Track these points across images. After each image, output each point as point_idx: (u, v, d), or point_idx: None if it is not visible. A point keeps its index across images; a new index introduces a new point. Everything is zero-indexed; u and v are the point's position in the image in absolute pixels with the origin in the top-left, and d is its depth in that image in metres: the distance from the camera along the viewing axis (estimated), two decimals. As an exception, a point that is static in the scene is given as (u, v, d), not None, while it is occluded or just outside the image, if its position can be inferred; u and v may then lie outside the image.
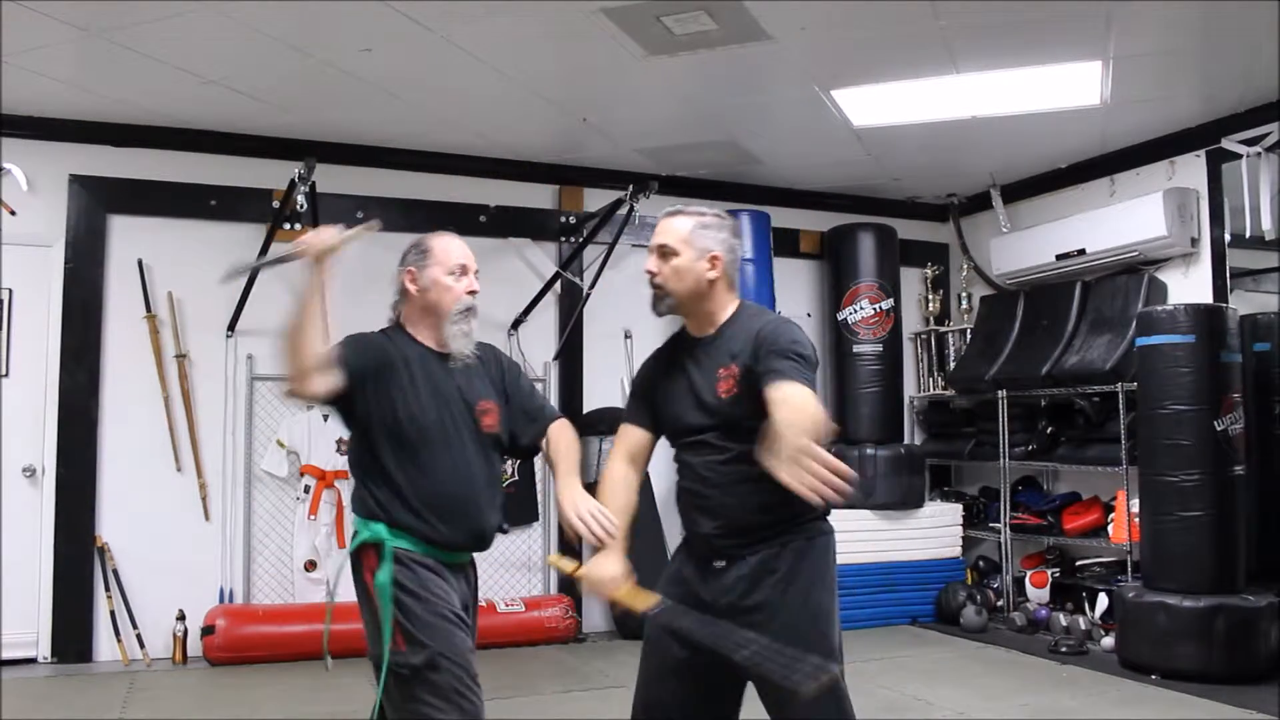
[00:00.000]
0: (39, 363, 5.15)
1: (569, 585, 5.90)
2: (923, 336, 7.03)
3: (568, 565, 2.48)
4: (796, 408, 1.93)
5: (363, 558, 2.28)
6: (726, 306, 2.34)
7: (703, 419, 2.25)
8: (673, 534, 5.83)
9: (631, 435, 2.40)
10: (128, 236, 5.30)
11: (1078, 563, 5.91)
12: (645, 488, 5.83)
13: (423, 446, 2.28)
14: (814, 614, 2.21)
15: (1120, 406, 5.35)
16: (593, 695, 4.55)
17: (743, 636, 2.11)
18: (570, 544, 4.77)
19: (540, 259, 6.08)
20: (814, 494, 1.76)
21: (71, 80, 4.68)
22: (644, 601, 2.21)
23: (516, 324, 5.97)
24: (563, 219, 6.10)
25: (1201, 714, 4.11)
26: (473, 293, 2.40)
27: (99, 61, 4.48)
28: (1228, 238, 5.43)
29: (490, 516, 2.38)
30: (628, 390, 6.16)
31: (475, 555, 2.45)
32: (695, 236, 2.29)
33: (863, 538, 5.89)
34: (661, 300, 2.32)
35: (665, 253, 2.30)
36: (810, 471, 1.77)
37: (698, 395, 2.26)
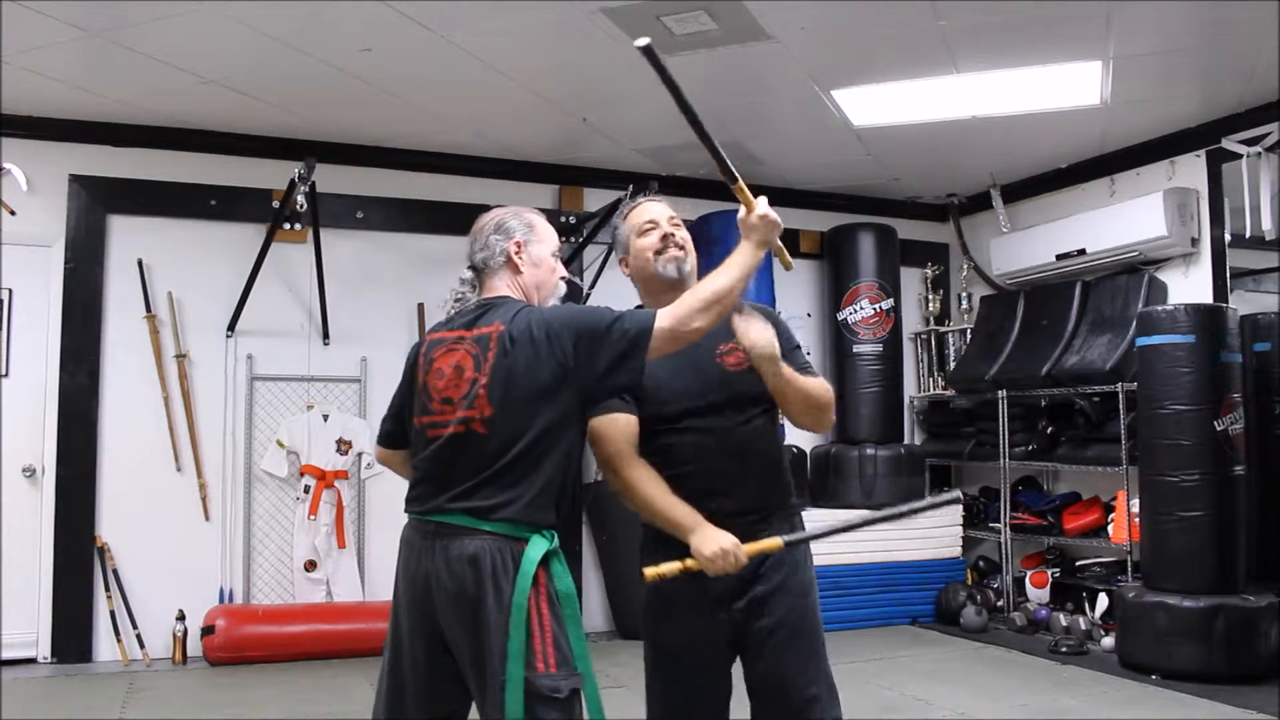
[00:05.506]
0: (39, 363, 5.15)
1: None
2: (923, 336, 7.03)
3: (670, 568, 2.12)
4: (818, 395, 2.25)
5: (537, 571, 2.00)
6: None
7: (712, 393, 2.23)
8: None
9: (630, 423, 2.21)
10: (128, 236, 5.30)
11: (1078, 563, 5.91)
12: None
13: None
14: (815, 609, 2.27)
15: (1120, 406, 5.35)
16: (593, 695, 4.55)
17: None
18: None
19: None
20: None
21: (71, 80, 4.68)
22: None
23: (517, 324, 5.97)
24: (563, 219, 6.09)
25: (1201, 714, 4.11)
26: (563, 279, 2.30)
27: (99, 61, 4.48)
28: (1228, 238, 5.43)
29: None
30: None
31: None
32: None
33: (863, 537, 5.86)
34: (685, 261, 2.31)
35: (676, 225, 2.35)
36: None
37: (701, 370, 2.25)
